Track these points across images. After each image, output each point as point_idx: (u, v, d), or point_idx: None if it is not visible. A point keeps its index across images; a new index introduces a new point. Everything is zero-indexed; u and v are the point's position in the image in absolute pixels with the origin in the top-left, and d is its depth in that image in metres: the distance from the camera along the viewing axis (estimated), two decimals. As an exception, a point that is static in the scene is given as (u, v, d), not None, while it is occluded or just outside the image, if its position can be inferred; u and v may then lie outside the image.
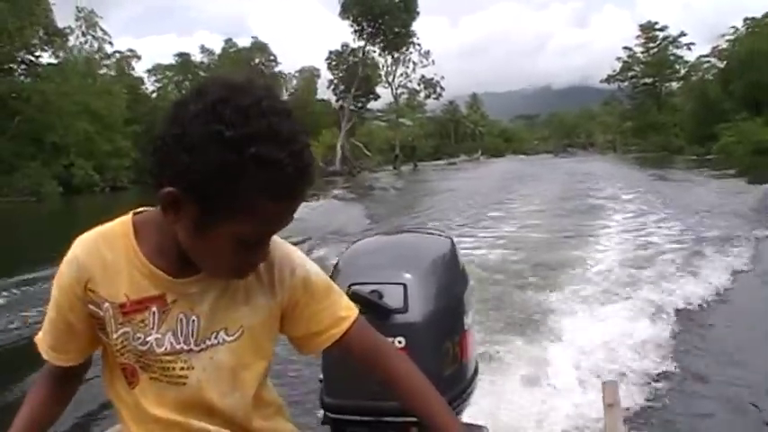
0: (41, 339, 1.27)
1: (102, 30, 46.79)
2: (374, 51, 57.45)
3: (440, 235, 2.01)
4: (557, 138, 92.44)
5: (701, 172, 27.02)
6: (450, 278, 1.83)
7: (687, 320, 5.88)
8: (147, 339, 1.18)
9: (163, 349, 1.19)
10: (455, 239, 2.01)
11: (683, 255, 8.68)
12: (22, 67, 36.37)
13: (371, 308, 1.61)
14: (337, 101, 59.96)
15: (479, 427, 1.74)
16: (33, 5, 34.64)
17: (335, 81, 59.18)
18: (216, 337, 1.20)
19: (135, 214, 1.21)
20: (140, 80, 55.36)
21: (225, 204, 1.04)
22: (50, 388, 1.31)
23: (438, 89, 65.08)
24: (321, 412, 1.76)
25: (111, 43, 48.45)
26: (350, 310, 1.28)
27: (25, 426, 1.28)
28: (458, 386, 1.75)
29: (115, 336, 1.19)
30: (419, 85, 63.77)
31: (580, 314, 5.79)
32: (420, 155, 66.28)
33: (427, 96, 67.32)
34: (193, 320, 1.19)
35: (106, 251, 1.18)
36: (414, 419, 1.46)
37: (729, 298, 6.84)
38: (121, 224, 1.20)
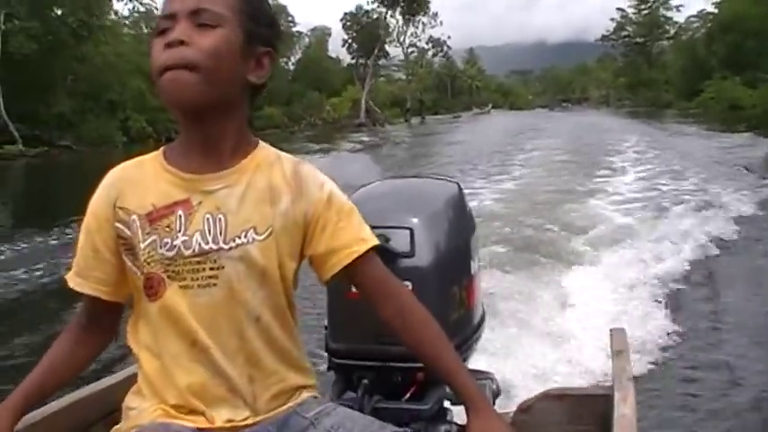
0: (71, 273, 1.15)
1: (151, -6, 45.80)
2: (390, 15, 56.18)
3: (447, 180, 1.77)
4: (551, 93, 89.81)
5: (677, 122, 28.65)
6: (458, 223, 1.60)
7: (697, 267, 5.51)
8: (175, 243, 1.08)
9: (191, 251, 1.08)
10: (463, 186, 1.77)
11: (690, 201, 8.38)
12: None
13: (377, 252, 1.39)
14: (352, 59, 58.80)
15: (485, 372, 1.54)
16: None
17: (349, 41, 57.58)
18: (245, 236, 1.09)
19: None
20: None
21: None
22: (75, 336, 1.18)
23: (445, 48, 63.96)
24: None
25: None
26: (372, 237, 1.16)
27: (44, 372, 1.15)
28: (464, 331, 1.54)
29: (143, 246, 1.09)
30: (427, 44, 62.56)
31: (589, 263, 5.41)
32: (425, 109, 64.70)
33: (434, 55, 66.34)
34: (220, 219, 1.09)
35: (135, 171, 1.15)
36: (420, 365, 1.29)
37: (740, 244, 6.46)
38: (153, 153, 1.17)
